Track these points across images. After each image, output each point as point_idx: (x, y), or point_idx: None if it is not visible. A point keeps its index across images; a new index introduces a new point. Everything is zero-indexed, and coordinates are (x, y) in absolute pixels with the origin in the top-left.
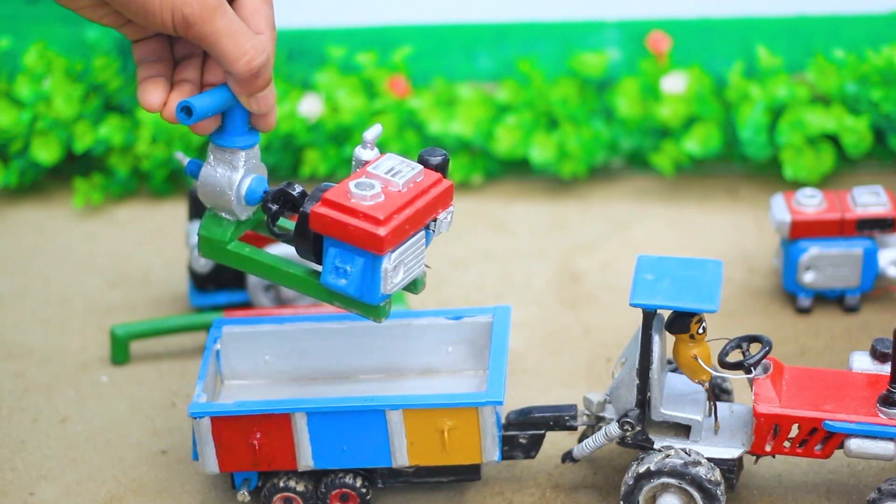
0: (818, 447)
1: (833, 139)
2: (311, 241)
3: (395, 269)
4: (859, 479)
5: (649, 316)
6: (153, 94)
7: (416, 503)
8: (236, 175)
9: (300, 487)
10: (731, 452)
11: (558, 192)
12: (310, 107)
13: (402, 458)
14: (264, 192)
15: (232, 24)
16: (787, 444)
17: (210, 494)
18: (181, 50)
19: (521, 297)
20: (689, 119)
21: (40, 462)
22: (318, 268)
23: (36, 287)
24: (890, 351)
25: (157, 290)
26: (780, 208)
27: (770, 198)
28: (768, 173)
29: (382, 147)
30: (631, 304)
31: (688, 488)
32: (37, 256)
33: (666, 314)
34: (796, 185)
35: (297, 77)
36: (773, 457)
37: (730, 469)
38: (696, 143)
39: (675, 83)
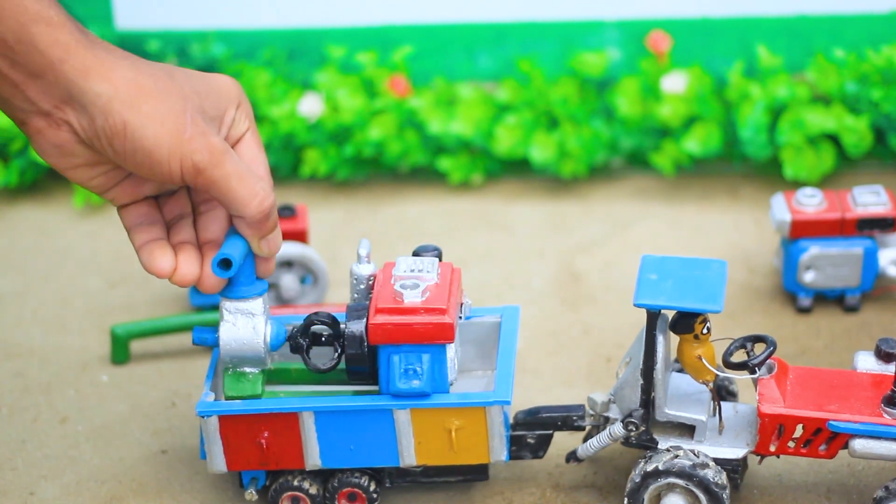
0: (822, 447)
1: (833, 139)
2: (367, 358)
3: (454, 355)
4: (859, 478)
5: (653, 316)
6: (162, 260)
7: (417, 502)
8: (260, 322)
9: (308, 486)
10: (736, 452)
11: (558, 191)
12: (310, 106)
13: (409, 457)
14: (289, 333)
15: (240, 167)
16: (791, 444)
17: (210, 494)
18: (171, 212)
19: (521, 297)
20: (690, 119)
21: (40, 461)
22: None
23: (36, 287)
24: (895, 351)
25: (157, 289)
26: (781, 208)
27: (770, 197)
28: (768, 173)
29: (383, 146)
30: (635, 305)
31: (695, 490)
32: (37, 256)
33: (670, 314)
34: (796, 184)
35: (297, 77)
36: (778, 457)
37: (734, 469)
38: (696, 143)
39: (675, 83)
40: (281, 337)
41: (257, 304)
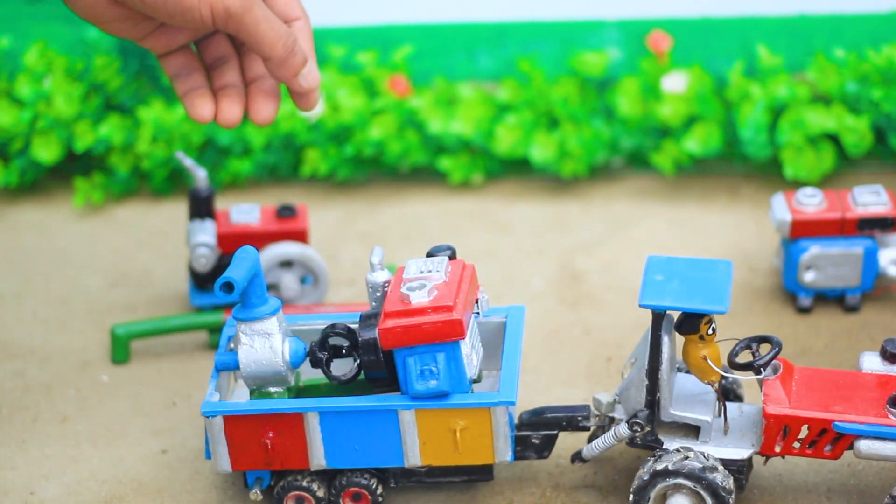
0: (828, 448)
1: (833, 139)
2: (383, 363)
3: (471, 351)
4: (860, 478)
5: (659, 317)
6: (202, 107)
7: (417, 502)
8: (277, 341)
9: (313, 486)
10: (741, 453)
11: (559, 191)
12: None
13: (414, 457)
14: (307, 348)
15: (266, 11)
16: (796, 444)
17: (210, 494)
18: (210, 56)
19: (521, 297)
20: (690, 118)
21: (41, 461)
22: None
23: (36, 287)
24: None
25: (157, 289)
26: (781, 208)
27: (770, 197)
28: (769, 173)
29: (383, 146)
30: (640, 306)
31: (702, 493)
32: (37, 256)
33: (675, 314)
34: (797, 184)
35: None
36: (783, 457)
37: (739, 470)
38: (696, 143)
39: (675, 82)
40: (301, 353)
41: (272, 324)
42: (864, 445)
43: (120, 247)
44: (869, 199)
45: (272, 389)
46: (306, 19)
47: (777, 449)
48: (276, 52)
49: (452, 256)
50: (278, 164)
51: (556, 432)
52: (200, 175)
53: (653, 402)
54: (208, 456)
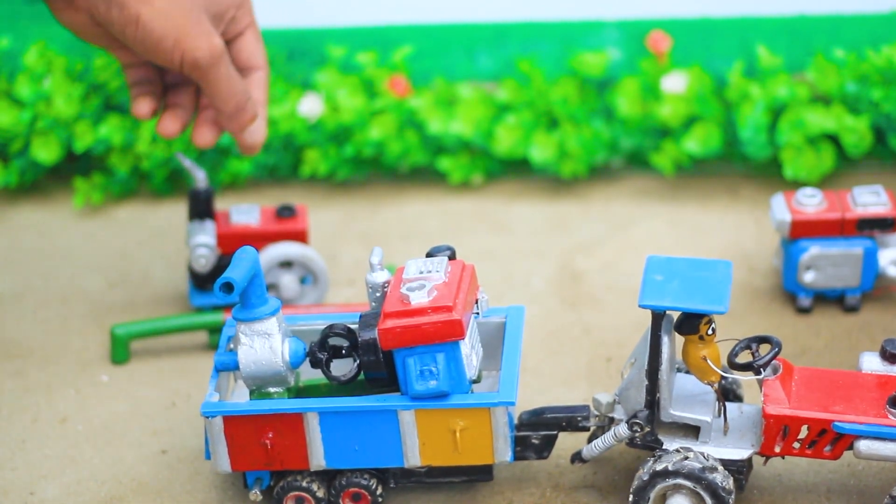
0: (827, 448)
1: (833, 139)
2: (383, 363)
3: (470, 351)
4: (860, 478)
5: (658, 317)
6: (143, 105)
7: (417, 502)
8: (276, 341)
9: (312, 486)
10: (741, 453)
11: (558, 191)
12: (310, 106)
13: (414, 458)
14: (307, 348)
15: (230, 69)
16: (796, 445)
17: (210, 494)
18: (172, 77)
19: (521, 297)
20: (690, 119)
21: (40, 461)
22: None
23: (36, 287)
24: None
25: (157, 289)
26: (781, 208)
27: (770, 197)
28: (768, 173)
29: (383, 146)
30: (640, 306)
31: (702, 493)
32: (37, 256)
33: (675, 315)
34: (796, 184)
35: (297, 77)
36: (783, 458)
37: (739, 470)
38: (696, 143)
39: (675, 83)
40: (301, 353)
41: (272, 324)
42: (863, 446)
43: (120, 247)
44: (869, 200)
45: (272, 390)
46: (266, 70)
47: (777, 449)
48: (228, 108)
49: (452, 257)
50: (278, 165)
51: (555, 432)
52: (200, 175)
53: (653, 403)
54: (208, 456)
